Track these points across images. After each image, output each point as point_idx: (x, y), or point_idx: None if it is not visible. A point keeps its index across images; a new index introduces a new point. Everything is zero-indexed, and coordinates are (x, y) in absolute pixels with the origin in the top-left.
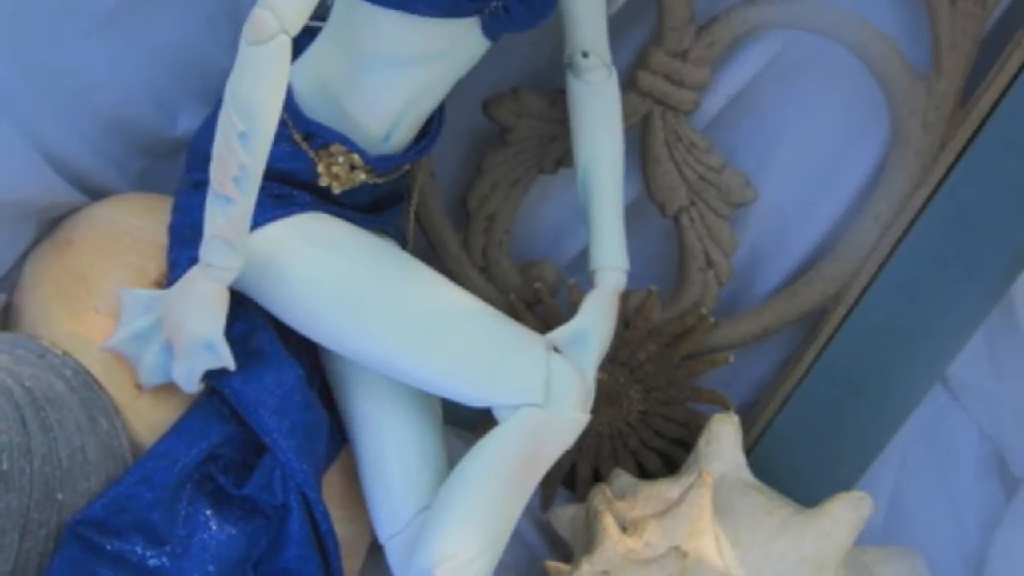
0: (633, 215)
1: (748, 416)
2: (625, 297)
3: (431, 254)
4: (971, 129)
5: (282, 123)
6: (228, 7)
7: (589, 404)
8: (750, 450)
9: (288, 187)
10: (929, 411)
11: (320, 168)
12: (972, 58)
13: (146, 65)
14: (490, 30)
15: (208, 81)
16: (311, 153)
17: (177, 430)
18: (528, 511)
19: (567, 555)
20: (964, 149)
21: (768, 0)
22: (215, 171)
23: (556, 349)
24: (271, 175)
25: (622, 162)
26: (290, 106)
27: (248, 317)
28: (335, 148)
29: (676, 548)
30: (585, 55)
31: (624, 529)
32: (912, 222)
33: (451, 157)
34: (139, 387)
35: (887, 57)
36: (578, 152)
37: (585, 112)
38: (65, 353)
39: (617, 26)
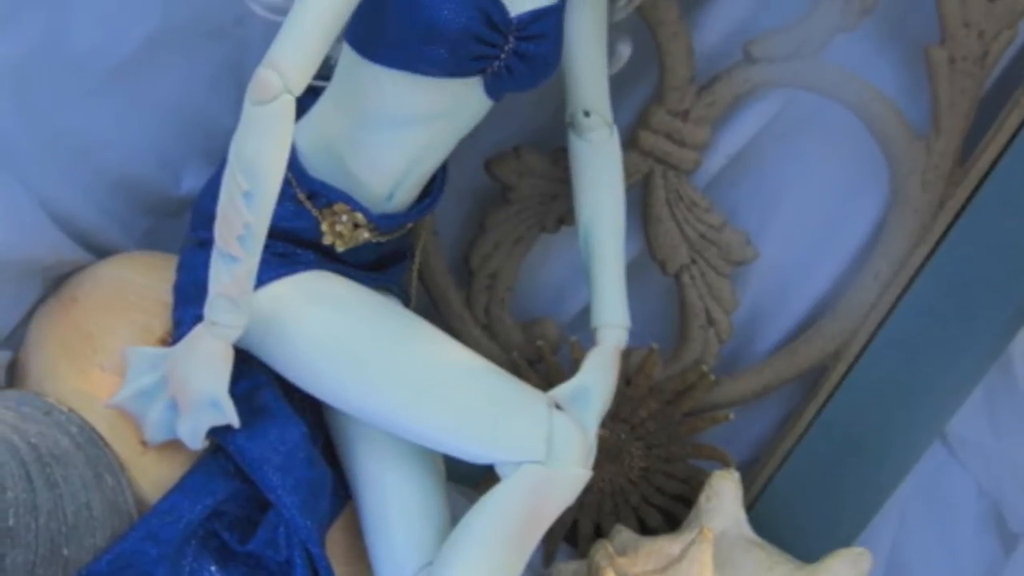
0: (634, 273)
1: (749, 472)
2: (626, 355)
3: (434, 312)
4: (970, 188)
5: (286, 182)
6: (232, 67)
7: (591, 461)
8: (751, 506)
9: (292, 246)
10: (928, 467)
11: (324, 227)
12: (971, 117)
13: (150, 124)
14: (492, 90)
15: (212, 140)
16: (315, 212)
17: (182, 487)
18: (530, 567)
19: None
20: (963, 208)
21: (768, 60)
22: (219, 230)
23: (558, 406)
24: (275, 234)
25: (623, 221)
26: (294, 165)
27: (252, 374)
28: (339, 207)
29: None
30: (587, 114)
31: None
32: (911, 280)
33: (454, 215)
34: (144, 444)
35: (886, 116)
36: (580, 210)
37: (587, 171)
38: (71, 410)
39: (618, 85)
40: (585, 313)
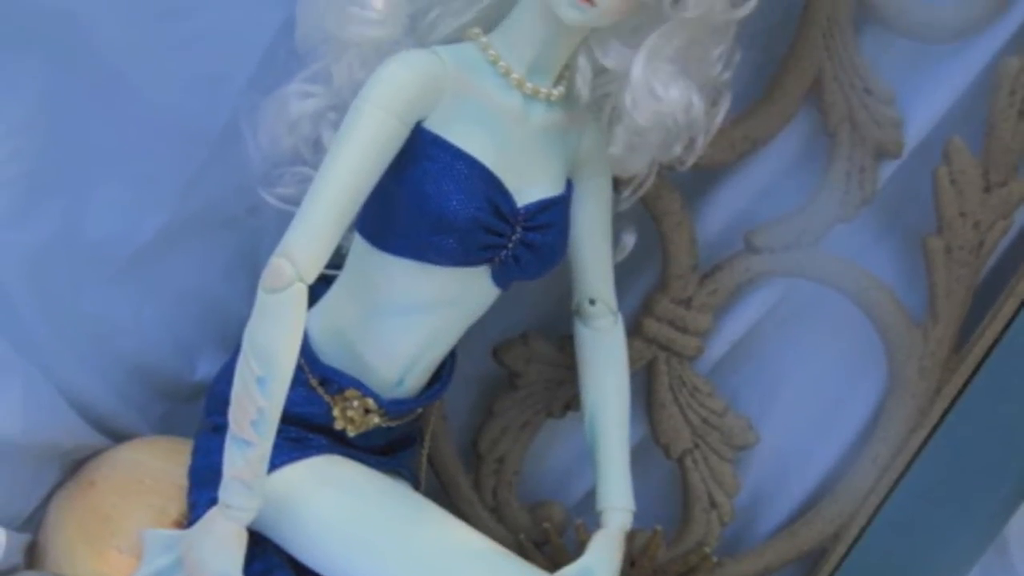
0: (639, 457)
1: None
2: (631, 536)
3: (443, 495)
4: (966, 374)
5: (298, 368)
6: (246, 255)
7: None
8: None
9: (304, 430)
10: None
11: (335, 412)
12: (967, 305)
13: (166, 311)
14: (500, 278)
15: (226, 327)
16: (327, 397)
17: None
18: None
19: None
20: (959, 394)
21: (769, 249)
22: (234, 414)
23: None
24: (288, 419)
25: (628, 406)
26: (306, 352)
27: (266, 556)
28: (350, 393)
29: None
30: (592, 302)
31: None
32: (909, 464)
33: (462, 401)
34: None
35: (884, 304)
36: (585, 396)
37: (592, 358)
38: None
39: (623, 273)
40: (590, 496)
